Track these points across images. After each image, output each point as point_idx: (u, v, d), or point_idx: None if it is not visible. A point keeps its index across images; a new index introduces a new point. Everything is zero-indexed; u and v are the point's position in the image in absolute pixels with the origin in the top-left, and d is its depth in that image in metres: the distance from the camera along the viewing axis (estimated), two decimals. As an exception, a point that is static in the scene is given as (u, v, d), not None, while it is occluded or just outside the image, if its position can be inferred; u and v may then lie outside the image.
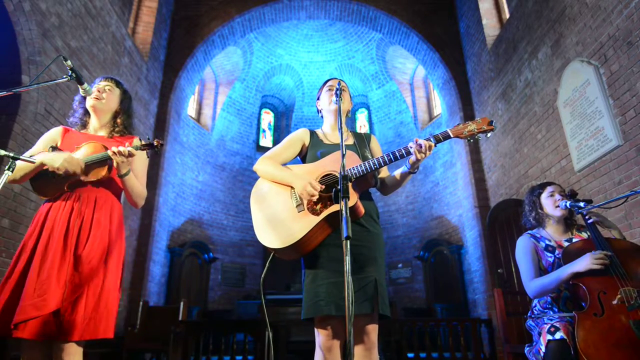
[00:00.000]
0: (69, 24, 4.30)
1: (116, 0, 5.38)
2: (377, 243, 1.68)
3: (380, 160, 1.61)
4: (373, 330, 1.59)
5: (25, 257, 1.62)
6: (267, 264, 1.65)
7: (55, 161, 1.67)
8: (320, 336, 1.61)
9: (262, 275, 1.68)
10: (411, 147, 1.62)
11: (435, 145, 1.63)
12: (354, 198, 1.55)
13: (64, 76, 1.68)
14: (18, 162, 1.66)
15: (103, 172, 1.78)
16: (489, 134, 1.64)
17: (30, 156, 1.72)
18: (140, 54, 6.11)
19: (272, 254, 1.63)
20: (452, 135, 1.65)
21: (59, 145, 1.84)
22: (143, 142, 1.78)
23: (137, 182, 1.86)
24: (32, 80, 3.66)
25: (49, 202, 1.76)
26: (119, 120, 1.98)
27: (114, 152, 1.70)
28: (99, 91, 1.91)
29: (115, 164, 1.74)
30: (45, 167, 1.72)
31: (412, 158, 1.64)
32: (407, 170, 1.72)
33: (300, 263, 1.74)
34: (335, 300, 1.54)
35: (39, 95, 3.80)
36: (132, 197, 1.87)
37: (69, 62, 1.63)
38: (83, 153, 1.78)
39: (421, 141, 1.61)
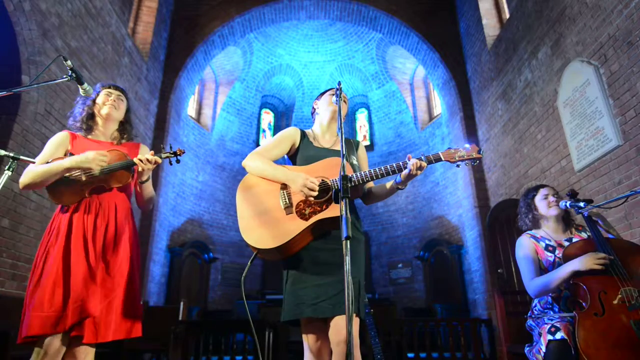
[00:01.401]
0: (69, 24, 4.30)
1: (116, 0, 5.38)
2: (359, 248, 1.70)
3: (373, 173, 1.63)
4: (355, 332, 1.57)
5: (57, 264, 1.64)
6: (248, 264, 1.66)
7: (90, 162, 1.71)
8: (308, 339, 1.62)
9: (243, 275, 1.70)
10: (408, 165, 1.64)
11: (426, 166, 1.66)
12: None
13: (64, 76, 1.68)
14: (37, 168, 1.68)
15: (127, 178, 1.84)
16: (476, 162, 1.71)
17: (47, 162, 1.73)
18: (140, 54, 6.11)
19: (255, 253, 1.63)
20: (443, 159, 1.69)
21: (69, 150, 1.86)
22: (167, 151, 1.88)
23: (151, 187, 1.94)
24: (32, 80, 3.65)
25: (66, 207, 1.77)
26: (127, 129, 2.05)
27: (141, 160, 1.77)
28: (114, 100, 1.95)
29: (140, 170, 1.81)
30: (69, 173, 1.74)
31: (404, 173, 1.66)
32: (396, 185, 1.74)
33: None
34: (318, 302, 1.54)
35: (39, 95, 3.80)
36: (145, 201, 1.95)
37: (69, 62, 1.63)
38: (107, 161, 1.81)
39: (414, 160, 1.64)
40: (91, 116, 1.95)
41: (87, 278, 1.64)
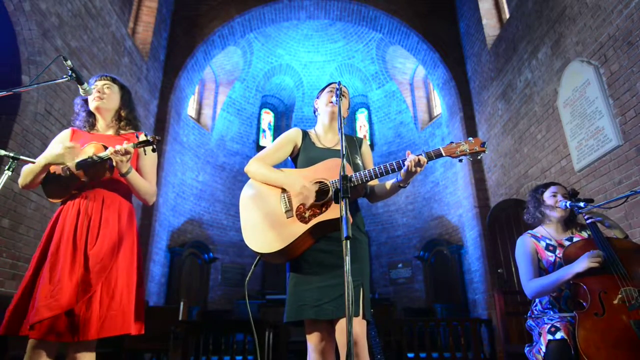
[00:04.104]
0: (69, 24, 4.30)
1: (116, 0, 5.38)
2: (361, 250, 1.69)
3: (373, 172, 1.61)
4: (361, 334, 1.55)
5: (41, 260, 1.65)
6: (252, 268, 1.66)
7: (60, 156, 1.68)
8: (312, 340, 1.63)
9: (247, 279, 1.70)
10: (406, 161, 1.61)
11: (426, 162, 1.62)
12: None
13: (64, 76, 1.68)
14: (25, 167, 1.70)
15: (104, 172, 1.77)
16: (480, 156, 1.65)
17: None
18: (140, 54, 6.10)
19: (258, 257, 1.64)
20: (444, 154, 1.64)
21: None
22: (139, 139, 1.76)
23: (141, 180, 1.85)
24: (32, 80, 3.65)
25: (62, 205, 1.78)
26: (122, 115, 1.97)
27: (111, 152, 1.70)
28: (98, 91, 1.90)
29: (115, 163, 1.72)
30: (52, 168, 1.74)
31: (403, 171, 1.64)
32: (397, 183, 1.72)
33: None
34: (320, 304, 1.55)
35: (39, 95, 3.79)
36: (138, 194, 1.87)
37: (69, 62, 1.63)
38: (85, 154, 1.79)
39: (412, 157, 1.60)
40: (90, 113, 1.95)
41: (57, 275, 1.59)
